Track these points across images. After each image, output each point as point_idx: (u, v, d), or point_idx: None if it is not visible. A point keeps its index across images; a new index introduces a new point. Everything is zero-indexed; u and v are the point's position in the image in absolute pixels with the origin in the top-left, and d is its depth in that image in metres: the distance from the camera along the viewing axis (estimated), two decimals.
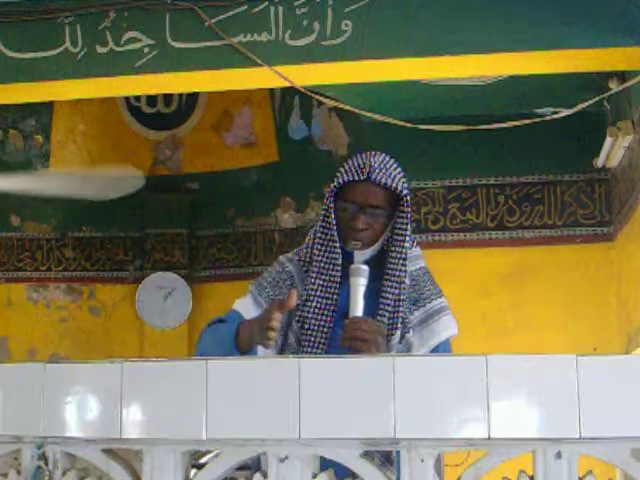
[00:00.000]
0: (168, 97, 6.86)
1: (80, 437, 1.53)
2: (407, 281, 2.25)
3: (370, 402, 1.41)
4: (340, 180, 2.24)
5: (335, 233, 2.24)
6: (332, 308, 2.23)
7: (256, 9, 4.08)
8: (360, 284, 2.16)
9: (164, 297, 6.64)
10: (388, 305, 2.22)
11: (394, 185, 2.22)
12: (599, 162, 5.11)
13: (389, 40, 3.99)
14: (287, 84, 4.16)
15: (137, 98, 6.86)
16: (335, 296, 2.23)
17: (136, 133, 6.95)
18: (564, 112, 4.33)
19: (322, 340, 2.21)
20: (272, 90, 6.47)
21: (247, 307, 2.29)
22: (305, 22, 4.06)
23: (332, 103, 4.81)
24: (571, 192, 5.49)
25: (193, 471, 1.55)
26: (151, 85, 4.36)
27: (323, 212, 2.28)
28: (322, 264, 2.26)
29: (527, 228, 5.51)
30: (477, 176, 5.59)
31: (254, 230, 6.73)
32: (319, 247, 2.26)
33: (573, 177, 5.49)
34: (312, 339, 2.22)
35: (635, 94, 4.53)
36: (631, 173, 4.81)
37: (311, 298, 2.24)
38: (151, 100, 6.88)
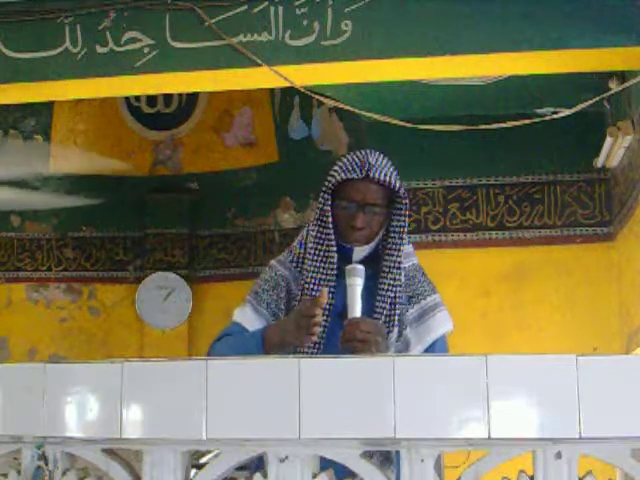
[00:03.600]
0: (168, 97, 6.86)
1: (80, 437, 1.53)
2: (402, 278, 2.24)
3: (370, 402, 1.40)
4: (338, 178, 2.20)
5: (331, 231, 2.21)
6: (328, 307, 2.19)
7: (256, 9, 4.08)
8: (357, 284, 2.13)
9: (164, 297, 6.64)
10: (384, 303, 2.20)
11: (392, 182, 2.20)
12: (599, 162, 5.11)
13: (389, 40, 3.99)
14: (287, 84, 4.15)
15: (137, 98, 6.85)
16: (331, 295, 2.20)
17: (136, 133, 6.94)
18: (564, 112, 4.33)
19: (319, 339, 2.17)
20: (272, 90, 6.46)
21: (248, 318, 2.25)
22: (305, 22, 4.06)
23: (332, 103, 4.81)
24: (571, 192, 5.48)
25: (193, 471, 1.55)
26: (151, 85, 4.36)
27: (319, 210, 2.23)
28: (317, 263, 2.23)
29: (527, 228, 5.51)
30: (477, 176, 5.59)
31: (254, 230, 6.72)
32: (314, 245, 2.23)
33: (573, 177, 5.49)
34: None
35: (635, 94, 4.53)
36: (631, 173, 4.80)
37: (306, 297, 2.21)
38: (151, 100, 6.87)
